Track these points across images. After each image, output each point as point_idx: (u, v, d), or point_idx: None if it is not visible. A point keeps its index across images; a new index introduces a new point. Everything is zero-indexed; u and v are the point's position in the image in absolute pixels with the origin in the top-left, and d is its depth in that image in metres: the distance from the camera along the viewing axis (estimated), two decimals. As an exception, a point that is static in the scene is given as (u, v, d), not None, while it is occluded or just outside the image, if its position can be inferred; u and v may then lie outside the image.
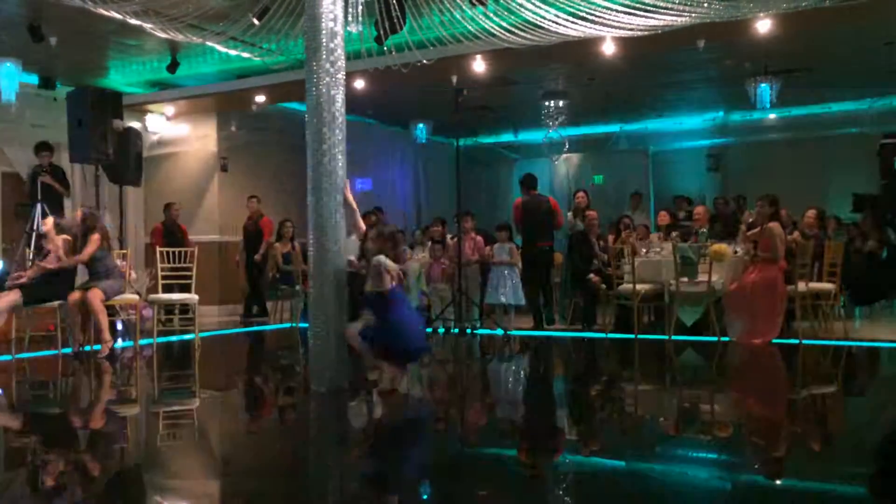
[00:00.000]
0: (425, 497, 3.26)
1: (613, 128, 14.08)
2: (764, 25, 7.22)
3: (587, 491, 3.26)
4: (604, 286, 8.50)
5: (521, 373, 6.84)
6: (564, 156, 13.17)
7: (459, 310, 8.55)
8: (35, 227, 8.39)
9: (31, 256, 7.28)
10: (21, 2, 7.45)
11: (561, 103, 11.29)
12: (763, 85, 9.71)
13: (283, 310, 9.97)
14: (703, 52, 8.25)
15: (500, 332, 8.46)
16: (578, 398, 5.62)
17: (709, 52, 8.57)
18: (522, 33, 6.30)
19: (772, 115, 12.66)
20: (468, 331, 8.42)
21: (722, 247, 7.67)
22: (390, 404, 5.00)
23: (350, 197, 5.30)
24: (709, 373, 6.59)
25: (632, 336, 7.77)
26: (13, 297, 6.76)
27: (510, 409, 5.19)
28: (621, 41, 7.37)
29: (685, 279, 7.58)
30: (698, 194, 13.26)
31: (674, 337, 7.52)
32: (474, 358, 7.45)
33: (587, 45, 7.47)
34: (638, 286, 7.77)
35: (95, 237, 7.06)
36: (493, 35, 6.47)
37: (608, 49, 7.74)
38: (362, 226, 5.55)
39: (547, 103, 11.31)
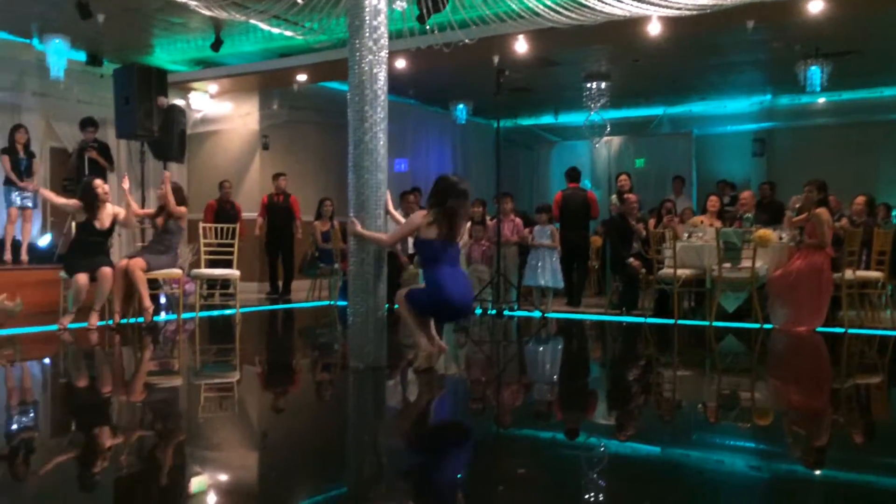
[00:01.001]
0: (459, 476, 3.27)
1: (657, 111, 13.88)
2: (816, 6, 7.03)
3: (621, 475, 3.23)
4: (643, 270, 8.41)
5: (558, 355, 6.81)
6: (605, 139, 13.00)
7: (497, 291, 8.54)
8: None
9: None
10: (70, -21, 7.57)
11: (603, 85, 11.15)
12: (813, 67, 9.48)
13: (322, 287, 10.05)
14: (752, 34, 8.08)
15: (537, 314, 8.43)
16: (614, 382, 5.58)
17: (758, 34, 8.39)
18: (567, 12, 6.22)
19: (821, 100, 12.37)
20: (505, 312, 8.42)
21: (767, 232, 7.53)
22: (426, 382, 5.02)
23: (392, 209, 5.33)
24: (750, 360, 6.49)
25: (671, 321, 7.69)
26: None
27: (546, 391, 5.17)
28: (668, 21, 7.24)
29: (728, 265, 7.46)
30: (743, 179, 13.03)
31: (715, 323, 7.41)
32: (510, 339, 7.43)
33: (632, 26, 7.37)
34: (679, 271, 7.67)
35: (185, 209, 7.65)
36: (538, 14, 6.39)
37: (654, 29, 7.61)
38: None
39: (589, 85, 11.18)
